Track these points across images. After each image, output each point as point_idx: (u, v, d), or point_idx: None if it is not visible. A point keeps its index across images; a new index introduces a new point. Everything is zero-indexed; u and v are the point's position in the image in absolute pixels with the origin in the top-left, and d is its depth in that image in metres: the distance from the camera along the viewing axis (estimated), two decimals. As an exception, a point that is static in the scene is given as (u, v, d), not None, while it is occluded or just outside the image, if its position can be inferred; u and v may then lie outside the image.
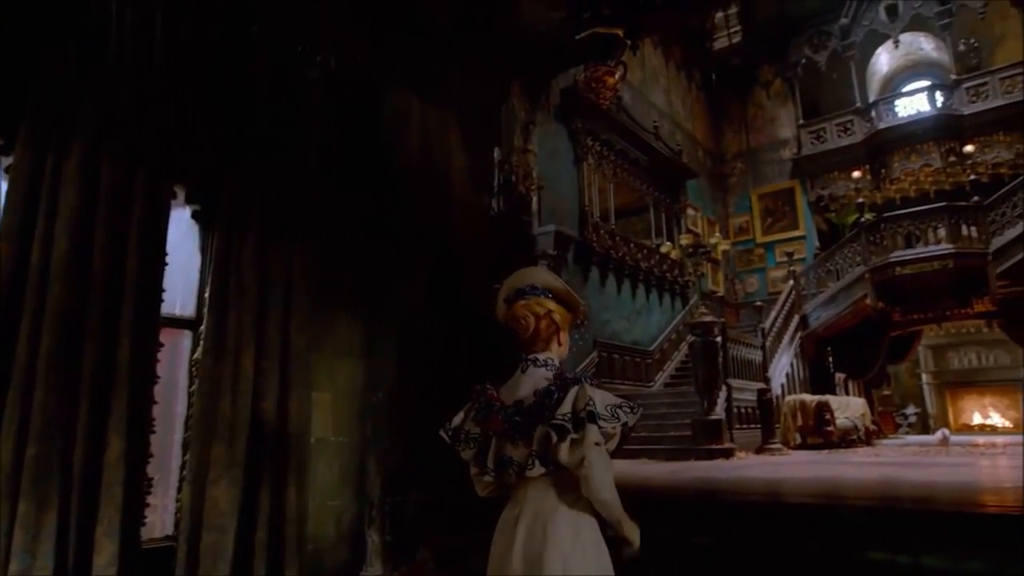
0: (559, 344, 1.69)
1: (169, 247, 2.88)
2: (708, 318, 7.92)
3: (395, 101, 4.22)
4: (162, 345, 2.78)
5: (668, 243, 10.99)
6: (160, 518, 3.21)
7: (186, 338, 3.25)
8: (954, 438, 14.34)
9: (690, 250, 9.16)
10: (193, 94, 3.00)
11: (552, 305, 1.67)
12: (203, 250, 3.25)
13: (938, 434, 11.62)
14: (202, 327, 2.97)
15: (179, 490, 2.90)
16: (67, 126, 2.47)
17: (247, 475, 2.87)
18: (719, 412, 7.63)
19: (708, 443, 7.25)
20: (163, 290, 2.79)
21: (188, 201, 3.18)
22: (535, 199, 8.41)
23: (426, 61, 4.48)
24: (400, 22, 4.23)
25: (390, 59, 4.21)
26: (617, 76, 6.95)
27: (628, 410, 1.55)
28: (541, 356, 1.64)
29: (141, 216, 2.64)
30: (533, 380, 1.59)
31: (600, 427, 1.47)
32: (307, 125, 3.50)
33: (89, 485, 2.32)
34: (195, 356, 3.02)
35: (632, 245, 11.14)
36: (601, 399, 1.52)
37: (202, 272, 3.20)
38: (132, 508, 2.45)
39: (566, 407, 1.47)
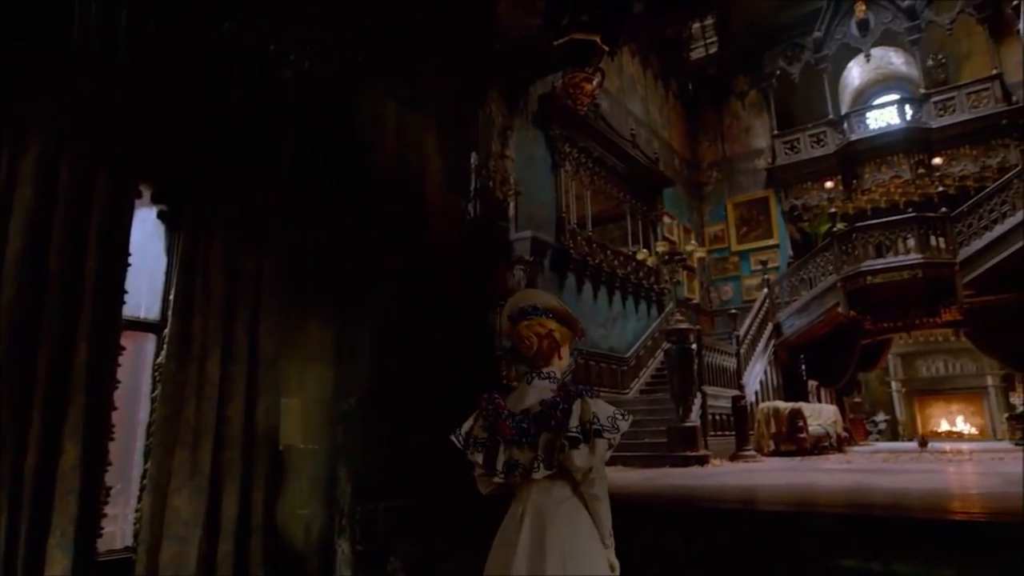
0: (559, 359, 1.85)
1: (134, 248, 2.79)
2: (684, 325, 7.96)
3: (371, 103, 4.16)
4: (124, 349, 2.68)
5: (644, 250, 11.05)
6: (121, 528, 3.11)
7: (151, 342, 3.15)
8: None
9: (666, 257, 9.21)
10: (161, 91, 2.92)
11: (553, 324, 1.83)
12: (169, 251, 3.16)
13: (916, 441, 11.83)
14: (166, 330, 2.87)
15: (140, 499, 2.80)
16: (24, 122, 2.37)
17: (212, 483, 2.78)
18: (694, 419, 7.66)
19: (683, 450, 7.27)
20: (125, 292, 2.70)
21: (154, 201, 3.09)
22: (512, 205, 8.39)
23: (403, 64, 4.43)
24: (376, 23, 4.18)
25: (366, 61, 4.15)
26: (595, 83, 6.96)
27: (621, 417, 1.72)
28: (544, 370, 1.81)
29: (102, 216, 2.54)
30: (537, 391, 1.76)
31: (608, 440, 1.65)
32: (279, 126, 3.43)
33: (42, 494, 2.22)
34: (158, 360, 2.92)
35: (609, 252, 11.18)
36: (602, 411, 1.69)
37: (168, 274, 3.11)
38: (87, 518, 2.36)
39: (574, 420, 1.64)
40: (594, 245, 10.84)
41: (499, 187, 8.00)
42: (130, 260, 2.73)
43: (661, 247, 9.51)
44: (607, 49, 6.73)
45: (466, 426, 1.83)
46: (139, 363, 3.23)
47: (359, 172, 3.91)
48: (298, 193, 3.48)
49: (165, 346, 2.84)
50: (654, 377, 11.12)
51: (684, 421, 7.52)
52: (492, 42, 6.37)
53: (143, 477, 2.82)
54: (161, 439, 2.71)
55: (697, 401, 7.95)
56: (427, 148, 4.54)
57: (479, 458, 1.76)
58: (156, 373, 2.94)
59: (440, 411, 4.03)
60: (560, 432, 1.64)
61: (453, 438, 1.83)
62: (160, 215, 3.13)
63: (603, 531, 1.70)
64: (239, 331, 2.97)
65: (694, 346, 7.93)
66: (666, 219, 13.42)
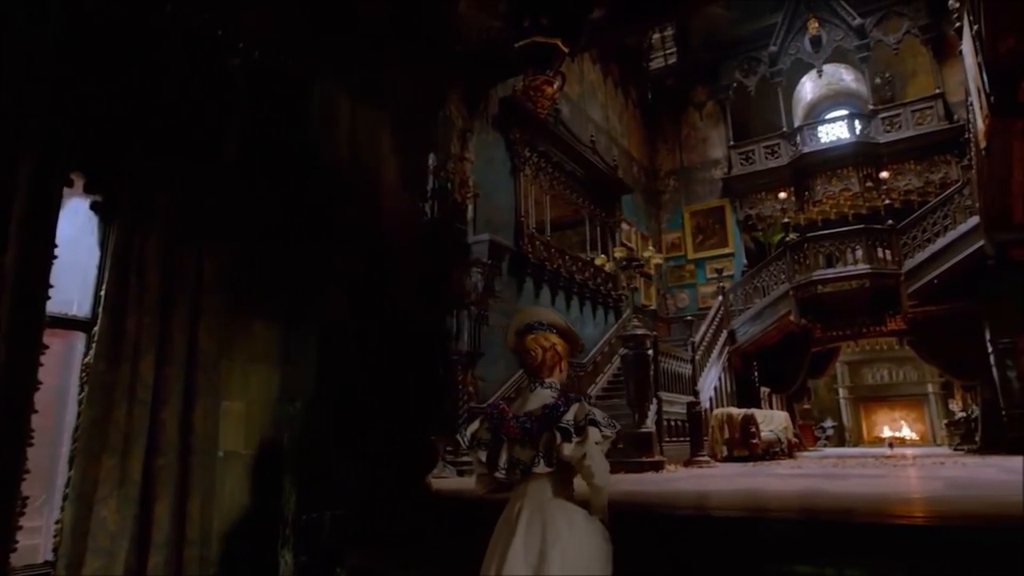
0: (560, 371, 2.08)
1: (65, 241, 2.61)
2: (641, 331, 7.98)
3: (324, 98, 4.03)
4: (47, 347, 2.50)
5: (603, 256, 11.09)
6: (44, 542, 2.90)
7: (81, 341, 2.97)
8: (868, 450, 15.01)
9: (624, 263, 9.24)
10: (96, 74, 2.75)
11: (556, 339, 2.07)
12: (103, 245, 2.98)
13: (885, 447, 12.17)
14: (95, 328, 2.70)
15: (62, 509, 2.61)
16: (-62, 99, 2.19)
17: (143, 492, 2.61)
18: (650, 425, 7.67)
19: (638, 455, 7.27)
20: (51, 287, 2.52)
21: (87, 190, 2.91)
22: (470, 207, 8.32)
23: (359, 59, 4.31)
24: (332, 16, 4.05)
25: (320, 54, 4.02)
26: (555, 86, 6.94)
27: (614, 423, 1.94)
28: (547, 380, 2.03)
29: (25, 205, 2.37)
30: (540, 398, 1.97)
31: (601, 431, 1.86)
32: (225, 116, 3.28)
33: (-53, 506, 2.04)
34: (86, 360, 2.74)
35: (567, 257, 11.18)
36: (597, 413, 1.91)
37: (100, 268, 2.93)
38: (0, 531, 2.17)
39: (569, 416, 1.86)
40: (552, 250, 10.83)
41: (457, 189, 7.89)
42: (57, 252, 2.55)
43: (619, 253, 9.54)
44: (568, 52, 6.70)
45: (472, 427, 2.03)
46: (70, 363, 3.04)
47: (310, 168, 3.78)
48: (244, 188, 3.33)
49: (94, 345, 2.66)
50: (610, 383, 11.15)
51: (640, 427, 7.53)
52: (452, 43, 6.29)
53: (67, 485, 2.63)
54: (87, 445, 2.53)
55: (653, 407, 7.98)
56: (382, 146, 4.42)
57: (482, 456, 1.96)
58: (83, 374, 2.76)
59: (391, 416, 3.92)
60: (559, 432, 1.84)
61: (458, 437, 2.03)
62: (93, 206, 2.95)
63: (595, 508, 1.91)
64: (176, 331, 2.81)
65: (650, 352, 7.97)
66: (624, 226, 13.51)
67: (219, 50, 3.23)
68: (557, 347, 2.05)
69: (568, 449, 1.82)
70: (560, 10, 6.46)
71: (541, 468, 1.84)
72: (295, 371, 3.53)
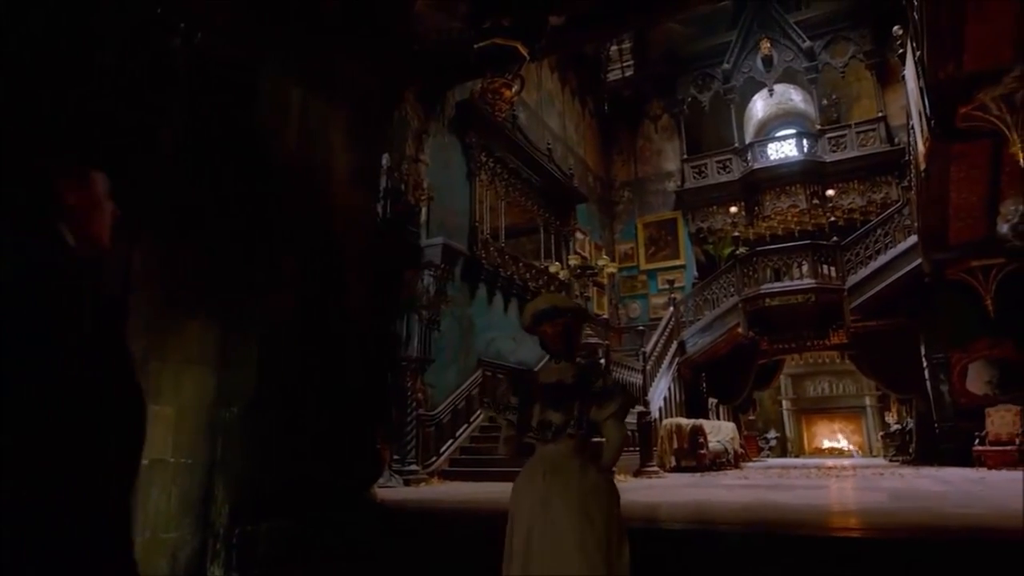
0: (575, 344, 2.36)
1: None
2: (593, 340, 7.95)
3: (273, 88, 3.84)
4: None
5: (557, 263, 11.05)
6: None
7: (-9, 338, 2.70)
8: (808, 461, 15.39)
9: (578, 271, 9.23)
10: (14, 47, 2.51)
11: (567, 320, 2.29)
12: (20, 233, 2.72)
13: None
14: (6, 324, 2.45)
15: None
16: None
17: (55, 504, 2.37)
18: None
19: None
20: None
21: (3, 173, 2.66)
22: (424, 210, 8.16)
23: (313, 51, 4.13)
24: (282, 3, 3.87)
25: (270, 42, 3.83)
26: (514, 89, 6.88)
27: (632, 393, 2.45)
28: (566, 355, 2.28)
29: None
30: (563, 370, 2.22)
31: (622, 397, 2.18)
32: (165, 99, 3.07)
33: None
34: (-6, 359, 2.49)
35: (521, 264, 11.11)
36: (620, 385, 2.32)
37: (15, 259, 2.68)
38: None
39: (599, 384, 2.17)
40: (507, 257, 10.74)
41: (411, 191, 7.70)
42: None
43: (574, 260, 9.53)
44: (528, 57, 6.63)
45: (500, 392, 2.36)
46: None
47: (256, 160, 3.58)
48: (183, 176, 3.12)
49: (4, 342, 2.42)
50: (562, 391, 11.09)
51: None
52: (409, 41, 6.14)
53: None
54: (-9, 452, 2.28)
55: (603, 416, 7.95)
56: (334, 142, 4.24)
57: (512, 418, 2.19)
58: (-9, 374, 2.50)
59: (336, 423, 3.73)
60: (591, 397, 2.13)
61: (487, 402, 2.40)
62: (9, 190, 2.69)
63: (607, 459, 2.16)
64: (100, 327, 2.58)
65: (602, 361, 7.94)
66: (579, 235, 13.54)
67: (159, 28, 3.02)
68: (570, 327, 2.29)
69: (596, 412, 2.11)
70: (522, 13, 6.38)
71: (573, 429, 2.09)
72: (233, 374, 3.32)
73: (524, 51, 6.52)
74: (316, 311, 3.75)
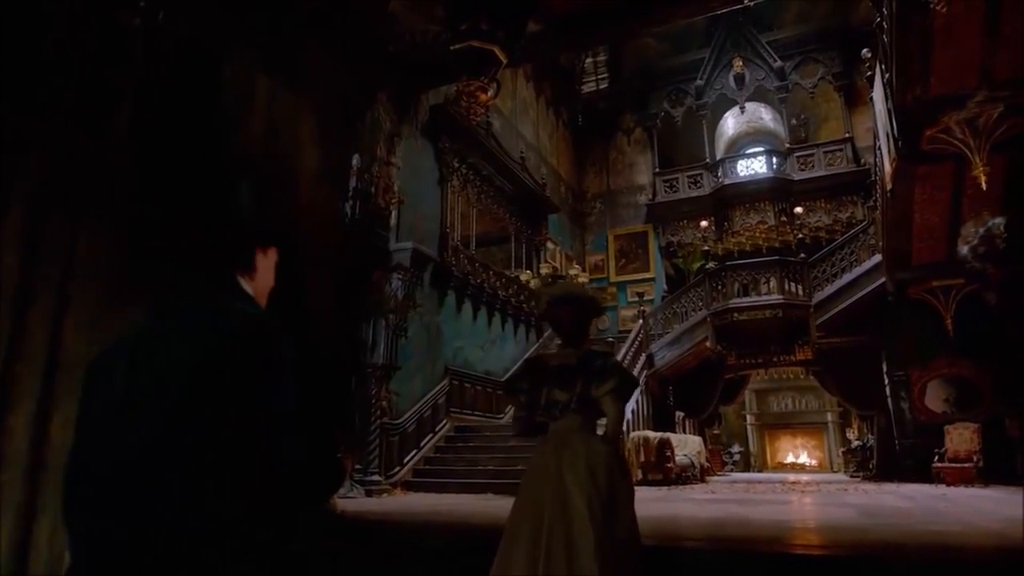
0: (586, 333, 2.51)
1: None
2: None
3: (239, 77, 3.66)
4: None
5: (528, 271, 10.95)
6: None
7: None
8: (772, 475, 15.48)
9: (549, 280, 9.12)
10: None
11: (579, 309, 2.47)
12: (-50, 217, 2.50)
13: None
14: (-73, 314, 2.23)
15: None
16: None
17: (-24, 515, 2.16)
18: (568, 446, 7.51)
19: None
20: None
21: (-66, 150, 2.44)
22: (394, 214, 7.98)
23: (282, 43, 3.97)
24: (252, -11, 3.70)
25: (239, 29, 3.66)
26: (490, 93, 6.77)
27: (632, 374, 2.82)
28: (574, 343, 2.43)
29: None
30: (569, 353, 2.39)
31: (622, 376, 2.38)
32: (120, 79, 2.87)
33: None
34: (-88, 352, 2.26)
35: (491, 273, 10.98)
36: (621, 365, 2.50)
37: (-56, 245, 2.45)
38: None
39: (601, 364, 2.35)
40: (477, 264, 10.60)
41: (381, 194, 7.51)
42: None
43: (545, 269, 9.44)
44: (505, 60, 6.53)
45: (513, 375, 2.55)
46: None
47: (217, 148, 3.39)
48: (137, 161, 2.92)
49: (-77, 334, 2.20)
50: (530, 402, 10.96)
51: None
52: (384, 42, 6.01)
53: None
54: (-98, 456, 2.06)
55: (572, 428, 7.82)
56: (302, 137, 4.07)
57: (523, 399, 2.41)
58: (-92, 369, 2.27)
59: (295, 429, 3.54)
60: (591, 375, 2.30)
61: (503, 383, 2.72)
62: (-60, 168, 2.47)
63: (609, 432, 2.36)
64: (35, 323, 2.37)
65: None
66: (550, 245, 13.48)
67: (115, 4, 2.83)
68: (582, 315, 2.47)
69: (596, 389, 2.28)
70: (500, 17, 6.28)
71: (575, 405, 2.28)
72: (184, 376, 3.11)
73: (502, 55, 6.42)
74: (276, 309, 3.57)
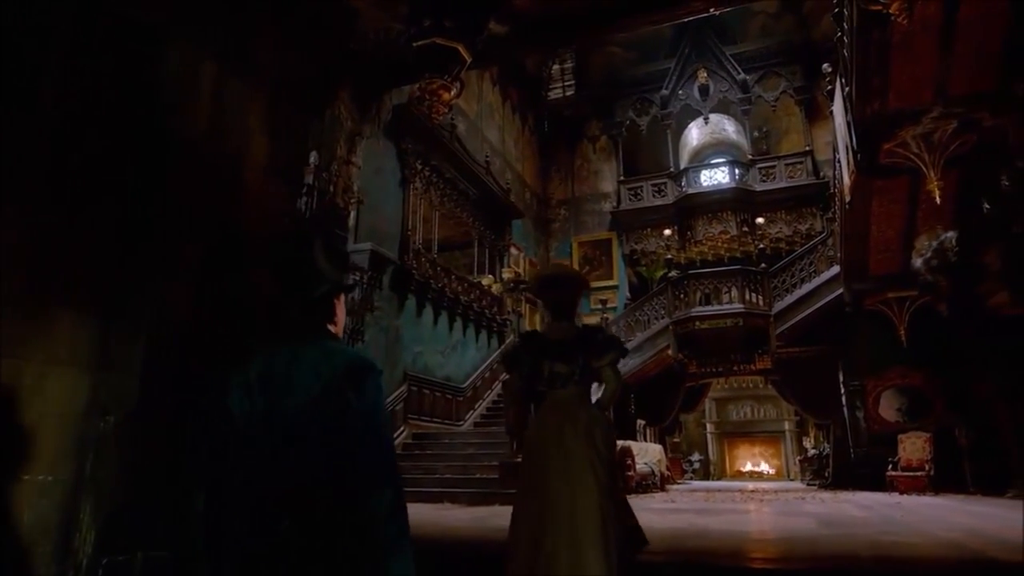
0: (574, 309, 2.70)
1: None
2: (524, 356, 7.71)
3: (183, 58, 3.44)
4: None
5: (490, 276, 10.80)
6: None
7: None
8: (731, 484, 15.58)
9: (511, 284, 9.00)
10: None
11: (571, 286, 2.71)
12: None
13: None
14: None
15: None
16: None
17: None
18: (528, 454, 7.37)
19: (514, 487, 6.93)
20: None
21: None
22: (353, 214, 7.76)
23: (232, 28, 3.76)
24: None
25: (185, 10, 3.45)
26: (453, 93, 6.61)
27: (625, 346, 2.77)
28: (566, 319, 2.64)
29: None
30: (562, 330, 2.60)
31: (618, 348, 2.63)
32: (44, 56, 2.65)
33: None
34: None
35: (453, 277, 10.80)
36: (617, 339, 2.78)
37: None
38: None
39: (599, 338, 2.58)
40: (439, 268, 10.41)
41: (340, 194, 7.32)
42: None
43: (507, 274, 9.31)
44: (469, 59, 6.41)
45: (512, 349, 2.72)
46: None
47: (155, 134, 3.17)
48: (64, 145, 2.69)
49: None
50: (490, 410, 10.81)
51: (517, 456, 7.21)
52: (346, 37, 5.84)
53: None
54: None
55: (532, 435, 7.68)
56: (251, 126, 3.87)
57: (523, 371, 2.59)
58: None
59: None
60: (592, 349, 2.53)
61: (501, 356, 2.64)
62: None
63: (605, 398, 2.60)
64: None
65: (533, 378, 7.69)
66: (513, 250, 13.36)
67: (40, -27, 2.60)
68: (572, 292, 2.68)
69: (596, 361, 2.50)
70: (464, 15, 6.16)
71: (577, 376, 2.48)
72: (113, 378, 2.87)
73: (466, 53, 6.29)
74: (220, 307, 3.35)
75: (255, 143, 3.91)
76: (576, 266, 15.63)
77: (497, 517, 5.31)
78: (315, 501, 1.28)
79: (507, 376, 8.38)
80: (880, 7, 4.41)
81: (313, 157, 6.17)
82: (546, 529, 2.27)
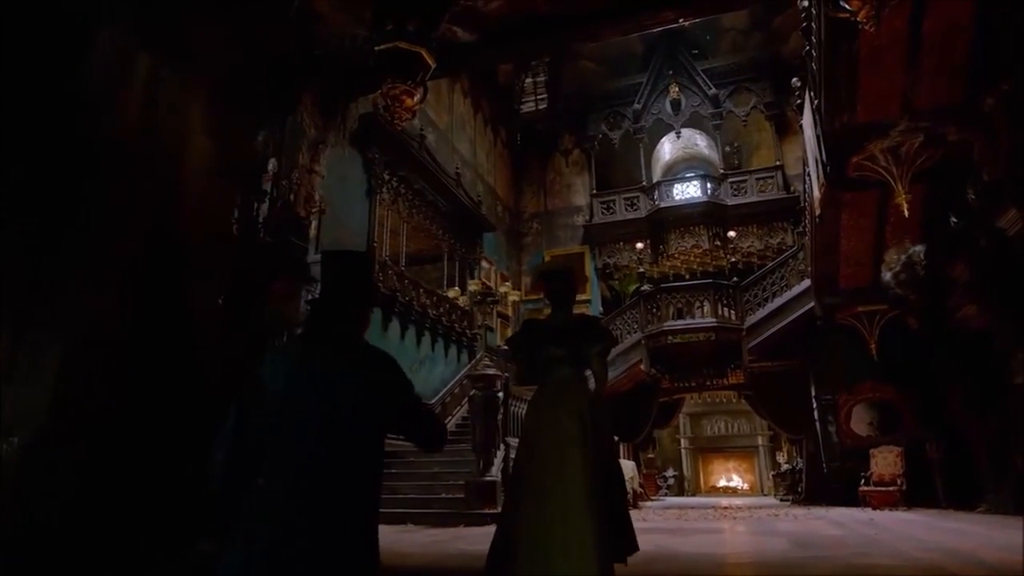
0: (571, 300, 2.88)
1: None
2: (492, 371, 7.49)
3: (113, 50, 3.20)
4: None
5: (457, 288, 10.56)
6: None
7: None
8: (706, 500, 15.42)
9: (479, 297, 8.78)
10: None
11: (569, 279, 2.91)
12: None
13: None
14: None
15: None
16: None
17: None
18: (495, 473, 7.12)
19: (481, 507, 6.67)
20: None
21: None
22: (315, 224, 7.50)
23: (167, 17, 3.52)
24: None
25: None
26: (416, 98, 6.43)
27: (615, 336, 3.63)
28: (564, 308, 2.85)
29: None
30: (558, 319, 2.83)
31: (609, 337, 2.93)
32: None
33: None
34: None
35: (422, 291, 10.54)
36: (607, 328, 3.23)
37: None
38: None
39: (592, 326, 2.91)
40: (407, 282, 10.14)
41: (301, 203, 7.06)
42: None
43: (474, 286, 9.09)
44: (433, 64, 6.23)
45: (513, 337, 3.05)
46: None
47: (79, 129, 2.91)
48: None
49: None
50: (458, 427, 10.50)
51: (484, 475, 6.96)
52: (308, 41, 5.64)
53: None
54: None
55: (500, 453, 7.43)
56: (191, 122, 3.62)
57: (523, 357, 2.82)
58: None
59: (168, 463, 3.03)
60: (586, 336, 2.74)
61: (502, 343, 2.33)
62: None
63: (596, 385, 2.68)
64: None
65: (501, 393, 7.47)
66: (484, 264, 13.15)
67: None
68: (568, 284, 2.86)
69: (587, 348, 2.67)
70: (427, 19, 6.01)
71: (571, 363, 2.65)
72: (19, 393, 2.59)
73: (430, 59, 6.12)
74: (148, 318, 3.08)
75: (195, 142, 3.66)
76: (549, 280, 15.49)
77: (457, 541, 5.05)
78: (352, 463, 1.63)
79: (473, 392, 8.14)
80: (847, 15, 4.34)
81: (272, 164, 5.90)
82: (541, 516, 2.40)
